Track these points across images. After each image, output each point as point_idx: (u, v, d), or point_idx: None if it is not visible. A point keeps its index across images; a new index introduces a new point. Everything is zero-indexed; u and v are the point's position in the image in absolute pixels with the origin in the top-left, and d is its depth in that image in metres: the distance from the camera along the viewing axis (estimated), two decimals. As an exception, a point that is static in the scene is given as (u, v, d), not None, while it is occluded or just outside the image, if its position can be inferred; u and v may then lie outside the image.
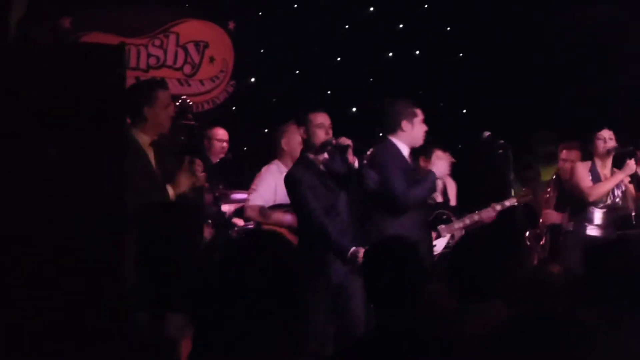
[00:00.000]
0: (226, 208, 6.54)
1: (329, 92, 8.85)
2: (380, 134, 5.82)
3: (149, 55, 8.46)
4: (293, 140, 6.14)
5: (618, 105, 7.74)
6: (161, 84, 5.06)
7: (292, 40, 8.66)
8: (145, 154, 4.77)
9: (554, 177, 7.13)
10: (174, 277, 3.70)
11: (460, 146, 7.14)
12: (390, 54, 9.20)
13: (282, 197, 6.00)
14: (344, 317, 5.26)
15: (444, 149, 6.67)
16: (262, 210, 6.21)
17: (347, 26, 8.99)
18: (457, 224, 6.48)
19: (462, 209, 6.74)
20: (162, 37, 8.52)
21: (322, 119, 5.35)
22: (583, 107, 7.92)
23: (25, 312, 3.41)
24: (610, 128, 6.49)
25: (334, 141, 5.29)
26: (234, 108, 8.75)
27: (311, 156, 5.37)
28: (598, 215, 6.45)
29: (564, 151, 6.99)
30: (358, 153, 5.33)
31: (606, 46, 8.10)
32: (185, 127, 5.35)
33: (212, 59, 8.70)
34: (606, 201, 6.43)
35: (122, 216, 3.63)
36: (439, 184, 6.57)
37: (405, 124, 5.63)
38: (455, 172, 6.73)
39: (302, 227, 5.46)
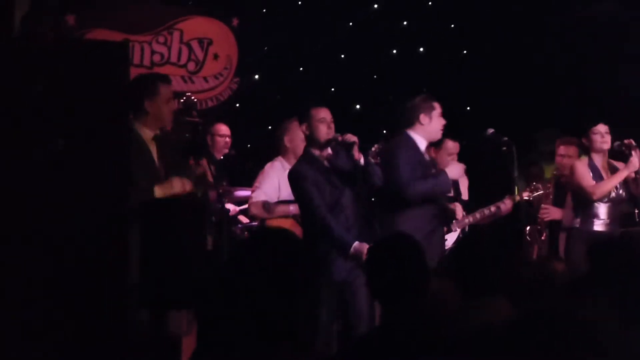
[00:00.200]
0: (230, 208, 6.52)
1: (332, 89, 8.86)
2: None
3: (152, 52, 8.44)
4: (296, 137, 6.13)
5: (618, 105, 7.73)
6: (163, 77, 4.98)
7: (296, 37, 8.66)
8: (148, 148, 4.72)
9: (554, 172, 7.13)
10: (177, 275, 3.70)
11: (464, 143, 7.13)
12: (394, 52, 9.20)
13: (286, 194, 6.00)
14: (349, 312, 5.26)
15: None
16: (266, 204, 6.20)
17: (350, 24, 8.99)
18: (468, 219, 6.46)
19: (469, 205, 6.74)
20: (166, 34, 8.50)
21: (324, 114, 5.34)
22: (583, 106, 7.91)
23: (27, 310, 3.41)
24: (606, 123, 6.48)
25: (339, 137, 5.28)
26: (237, 105, 8.74)
27: (315, 152, 5.36)
28: (603, 210, 6.44)
29: (562, 147, 6.98)
30: (362, 150, 5.33)
31: (606, 46, 8.09)
32: (189, 124, 5.34)
33: (216, 56, 8.69)
34: (610, 195, 6.43)
35: (125, 213, 3.63)
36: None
37: (423, 117, 5.64)
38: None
39: (305, 223, 5.46)
